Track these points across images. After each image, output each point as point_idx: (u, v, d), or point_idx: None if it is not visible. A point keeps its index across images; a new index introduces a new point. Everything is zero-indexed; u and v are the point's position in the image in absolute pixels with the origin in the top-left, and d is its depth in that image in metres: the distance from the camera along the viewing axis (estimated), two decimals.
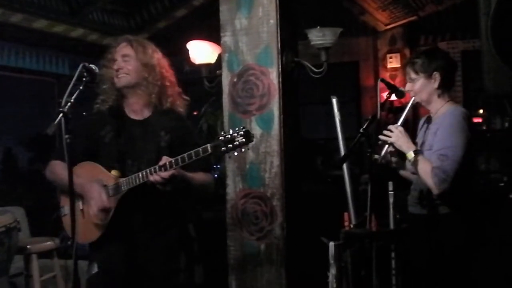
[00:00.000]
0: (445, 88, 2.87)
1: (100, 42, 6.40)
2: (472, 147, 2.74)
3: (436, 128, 2.81)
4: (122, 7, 6.79)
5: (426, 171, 2.68)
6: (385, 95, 3.08)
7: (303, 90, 3.82)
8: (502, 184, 5.43)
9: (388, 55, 7.60)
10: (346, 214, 3.29)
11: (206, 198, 4.59)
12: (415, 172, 2.81)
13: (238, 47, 3.45)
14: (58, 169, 2.54)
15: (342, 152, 3.48)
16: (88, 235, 2.53)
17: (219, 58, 3.63)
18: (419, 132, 3.02)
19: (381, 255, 2.95)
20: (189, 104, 2.76)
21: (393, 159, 2.93)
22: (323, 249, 3.10)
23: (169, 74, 2.68)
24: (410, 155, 2.74)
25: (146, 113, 2.62)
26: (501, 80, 2.36)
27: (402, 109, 2.91)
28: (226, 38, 3.48)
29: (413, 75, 2.88)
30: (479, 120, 7.24)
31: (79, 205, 2.53)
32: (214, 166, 5.39)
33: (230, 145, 2.24)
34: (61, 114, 2.18)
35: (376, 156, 2.82)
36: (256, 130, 3.37)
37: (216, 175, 5.22)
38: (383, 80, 3.16)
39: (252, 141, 2.30)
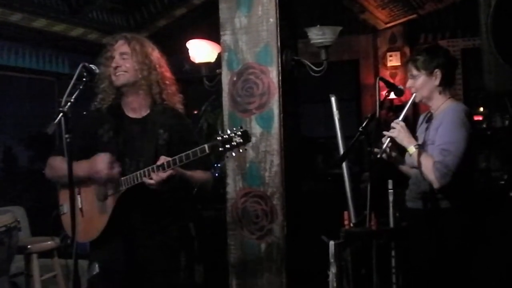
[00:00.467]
0: (446, 85, 2.90)
1: (100, 41, 6.38)
2: (473, 143, 2.77)
3: (438, 124, 2.84)
4: (121, 5, 6.79)
5: (428, 166, 2.71)
6: (385, 93, 3.08)
7: (303, 88, 3.81)
8: (503, 182, 5.43)
9: (388, 54, 7.60)
10: (346, 213, 3.29)
11: (206, 197, 4.60)
12: (415, 167, 2.84)
13: (238, 46, 3.44)
14: (57, 163, 2.54)
15: (342, 151, 3.48)
16: (88, 233, 2.53)
17: (219, 57, 3.63)
18: (419, 128, 3.04)
19: (381, 253, 2.95)
20: (185, 102, 2.75)
21: (393, 153, 2.95)
22: (323, 248, 3.09)
23: (167, 72, 2.67)
24: (411, 149, 2.77)
25: (145, 111, 2.62)
26: (501, 78, 2.37)
27: (402, 107, 2.95)
28: (226, 36, 3.48)
29: (414, 72, 2.90)
30: (480, 118, 7.24)
31: (78, 203, 2.52)
32: (215, 165, 5.39)
33: (228, 145, 2.24)
34: (61, 114, 2.18)
35: (377, 150, 2.85)
36: (256, 129, 3.36)
37: (217, 174, 5.22)
38: (382, 79, 3.16)
39: (250, 141, 2.30)
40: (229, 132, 2.25)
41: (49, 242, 4.46)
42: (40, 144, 6.69)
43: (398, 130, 2.81)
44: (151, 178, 2.36)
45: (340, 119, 3.55)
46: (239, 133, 2.24)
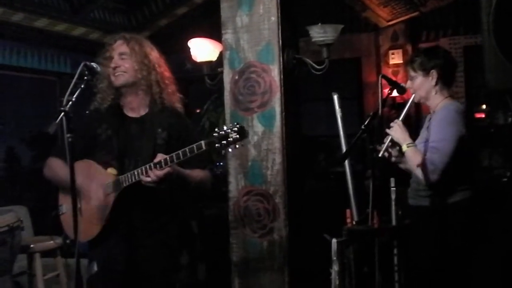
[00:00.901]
0: (443, 85, 2.95)
1: (101, 41, 6.38)
2: (468, 140, 2.80)
3: (432, 123, 2.89)
4: (123, 5, 6.79)
5: (415, 163, 2.78)
6: (387, 91, 3.09)
7: (305, 87, 3.81)
8: (505, 180, 5.42)
9: (390, 51, 7.58)
10: (348, 211, 3.29)
11: (205, 195, 4.60)
12: (407, 164, 2.89)
13: (239, 45, 3.44)
14: (56, 167, 2.54)
15: (344, 149, 3.49)
16: (87, 232, 2.52)
17: (221, 55, 3.63)
18: (422, 129, 3.05)
19: (383, 251, 2.95)
20: (186, 101, 2.75)
21: (393, 152, 2.97)
22: (325, 246, 3.09)
23: (167, 72, 2.66)
24: (404, 147, 2.84)
25: (143, 111, 2.61)
26: (503, 75, 2.36)
27: (404, 105, 2.97)
28: (227, 35, 3.48)
29: (412, 73, 2.97)
30: (482, 115, 7.22)
31: (77, 203, 2.52)
32: (217, 164, 5.39)
33: (224, 142, 2.23)
34: (62, 113, 2.18)
35: (379, 147, 2.90)
36: (258, 128, 3.37)
37: (219, 172, 5.23)
38: (384, 77, 3.16)
39: (247, 137, 2.30)
40: (225, 128, 2.24)
41: (51, 242, 4.46)
42: (42, 144, 6.70)
43: (395, 129, 2.86)
44: (148, 176, 2.36)
45: (342, 117, 3.55)
46: (235, 129, 2.23)
